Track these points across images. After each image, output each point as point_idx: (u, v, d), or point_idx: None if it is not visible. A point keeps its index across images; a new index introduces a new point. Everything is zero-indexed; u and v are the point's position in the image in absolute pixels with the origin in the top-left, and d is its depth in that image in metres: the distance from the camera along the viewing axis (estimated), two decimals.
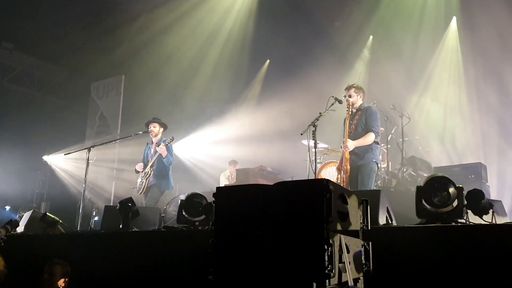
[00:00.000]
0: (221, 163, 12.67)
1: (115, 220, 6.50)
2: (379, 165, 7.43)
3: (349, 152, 7.02)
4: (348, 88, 7.35)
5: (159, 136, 9.05)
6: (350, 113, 7.21)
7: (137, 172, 8.99)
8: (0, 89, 14.46)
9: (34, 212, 7.54)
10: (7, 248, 6.18)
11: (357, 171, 7.04)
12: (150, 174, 8.76)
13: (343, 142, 7.21)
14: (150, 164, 8.79)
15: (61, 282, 5.19)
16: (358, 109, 7.19)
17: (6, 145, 13.29)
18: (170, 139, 8.76)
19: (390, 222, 5.22)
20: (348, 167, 7.02)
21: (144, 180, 8.77)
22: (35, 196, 14.53)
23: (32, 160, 14.68)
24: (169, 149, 8.76)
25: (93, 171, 9.33)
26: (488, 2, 10.73)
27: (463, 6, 11.45)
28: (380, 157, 9.22)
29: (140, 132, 9.16)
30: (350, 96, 7.26)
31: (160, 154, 8.66)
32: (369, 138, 7.03)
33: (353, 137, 7.09)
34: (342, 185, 6.66)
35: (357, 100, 7.26)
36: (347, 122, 7.25)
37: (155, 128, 9.04)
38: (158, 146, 8.73)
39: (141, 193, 8.82)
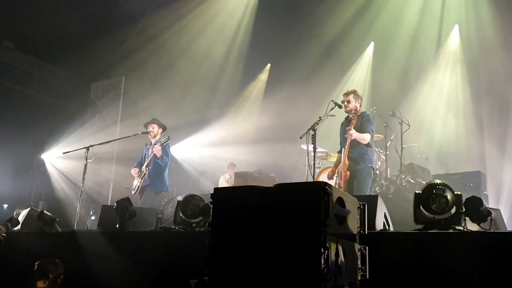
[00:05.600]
0: (220, 166, 12.65)
1: (112, 220, 6.48)
2: (375, 169, 7.49)
3: (347, 157, 7.06)
4: (347, 94, 7.42)
5: (158, 137, 9.05)
6: (353, 118, 7.23)
7: (133, 176, 9.00)
8: (0, 88, 14.43)
9: (31, 210, 7.52)
10: (3, 245, 6.18)
11: (353, 177, 7.12)
12: (145, 174, 8.75)
13: (344, 142, 7.24)
14: (145, 164, 8.79)
15: (51, 281, 5.18)
16: (356, 115, 7.22)
17: (5, 143, 13.26)
18: (166, 138, 8.77)
19: (387, 227, 5.21)
20: (348, 173, 7.06)
21: (140, 180, 8.76)
22: (33, 194, 14.49)
23: (30, 158, 14.66)
24: (165, 148, 8.77)
25: (91, 170, 9.30)
26: None
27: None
28: (379, 163, 9.28)
29: (139, 133, 9.18)
30: (349, 102, 7.32)
31: (155, 155, 8.66)
32: (365, 137, 7.13)
33: (350, 142, 7.11)
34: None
35: (355, 106, 7.29)
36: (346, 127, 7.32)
37: (154, 129, 9.05)
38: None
39: (135, 193, 8.81)
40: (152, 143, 9.03)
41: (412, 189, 8.64)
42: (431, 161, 10.28)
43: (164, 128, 9.20)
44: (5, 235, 6.28)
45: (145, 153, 9.13)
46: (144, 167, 8.79)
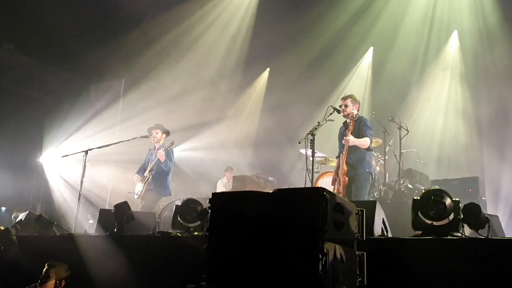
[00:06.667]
0: (219, 169, 12.65)
1: (110, 224, 6.46)
2: (373, 174, 7.49)
3: (345, 163, 7.06)
4: (345, 98, 7.43)
5: (162, 142, 9.05)
6: (348, 123, 7.26)
7: (136, 181, 9.00)
8: (0, 89, 14.42)
9: (29, 213, 7.52)
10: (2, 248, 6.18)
11: (351, 182, 7.11)
12: (148, 179, 8.76)
13: (342, 148, 7.26)
14: (149, 168, 8.80)
15: (58, 284, 5.21)
16: (353, 120, 7.22)
17: (4, 145, 13.26)
18: (170, 143, 8.77)
19: (385, 233, 5.20)
20: (346, 178, 7.06)
21: (143, 185, 8.77)
22: (31, 197, 14.48)
23: (29, 161, 14.63)
24: (168, 153, 8.76)
25: (90, 173, 9.28)
26: None
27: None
28: (378, 168, 9.29)
29: (137, 137, 9.14)
30: (346, 106, 7.32)
31: (159, 159, 8.66)
32: (365, 141, 7.12)
33: (348, 148, 7.12)
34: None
35: (353, 110, 7.30)
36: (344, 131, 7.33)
37: (158, 134, 9.05)
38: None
39: (139, 197, 8.81)
40: (156, 148, 9.03)
41: (410, 195, 8.64)
42: (429, 166, 10.29)
43: (167, 133, 9.21)
44: (15, 236, 6.35)
45: (149, 158, 9.12)
46: (147, 171, 8.80)
